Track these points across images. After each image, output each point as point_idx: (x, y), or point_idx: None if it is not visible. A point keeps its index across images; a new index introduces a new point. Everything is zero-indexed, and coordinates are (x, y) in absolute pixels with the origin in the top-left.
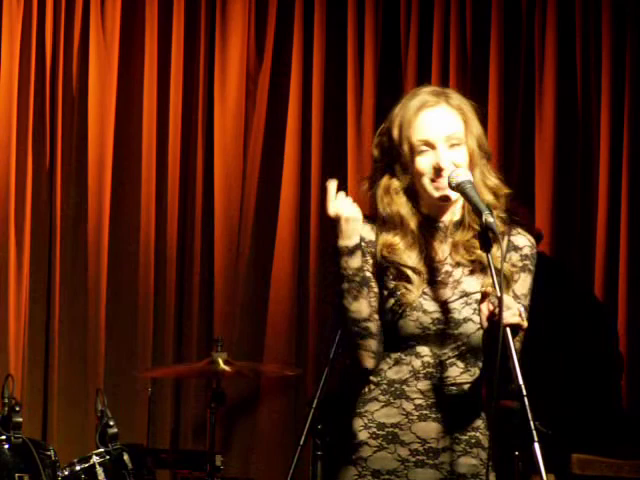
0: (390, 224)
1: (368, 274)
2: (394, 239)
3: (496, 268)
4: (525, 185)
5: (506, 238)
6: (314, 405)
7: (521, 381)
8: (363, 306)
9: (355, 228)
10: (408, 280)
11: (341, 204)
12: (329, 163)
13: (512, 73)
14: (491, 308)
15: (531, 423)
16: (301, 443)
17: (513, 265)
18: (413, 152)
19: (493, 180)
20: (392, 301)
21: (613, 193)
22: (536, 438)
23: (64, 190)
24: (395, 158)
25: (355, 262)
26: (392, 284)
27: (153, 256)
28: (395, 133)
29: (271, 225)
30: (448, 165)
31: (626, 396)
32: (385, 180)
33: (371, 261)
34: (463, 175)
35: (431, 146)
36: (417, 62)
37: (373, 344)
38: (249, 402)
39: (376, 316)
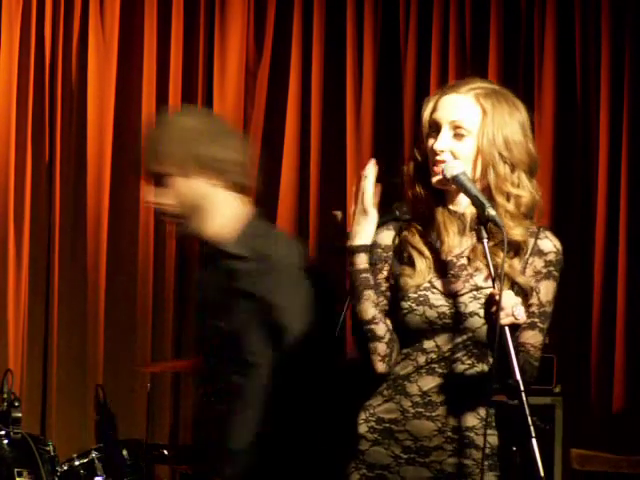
0: (413, 208)
1: (379, 279)
2: (415, 223)
3: (495, 265)
4: None
5: (532, 240)
6: None
7: (519, 377)
8: (365, 307)
9: (363, 230)
10: (412, 265)
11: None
12: (328, 160)
13: (511, 72)
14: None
15: (529, 419)
16: None
17: (537, 272)
18: (424, 133)
19: (511, 189)
20: (398, 294)
21: (612, 191)
22: (533, 434)
23: (63, 187)
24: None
25: (359, 263)
26: (398, 270)
27: (152, 251)
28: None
29: (270, 221)
30: (442, 149)
31: (625, 394)
32: (410, 165)
33: (385, 267)
34: (457, 167)
35: (437, 128)
36: (416, 60)
37: (380, 347)
38: None
39: (385, 320)
